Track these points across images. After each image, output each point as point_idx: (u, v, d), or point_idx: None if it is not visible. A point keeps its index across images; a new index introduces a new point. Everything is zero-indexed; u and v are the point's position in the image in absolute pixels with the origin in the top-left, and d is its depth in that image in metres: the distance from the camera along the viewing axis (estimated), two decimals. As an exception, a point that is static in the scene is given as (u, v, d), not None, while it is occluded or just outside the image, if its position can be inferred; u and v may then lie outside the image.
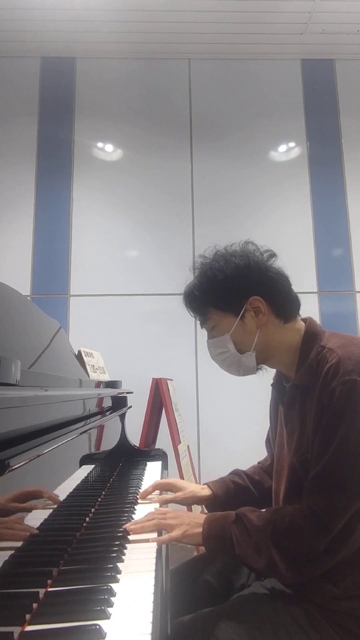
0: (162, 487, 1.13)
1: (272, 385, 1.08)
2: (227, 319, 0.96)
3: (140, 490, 1.18)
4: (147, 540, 0.85)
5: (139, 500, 1.10)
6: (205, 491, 1.11)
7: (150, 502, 1.10)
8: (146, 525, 0.88)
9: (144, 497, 1.11)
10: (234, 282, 0.94)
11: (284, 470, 0.97)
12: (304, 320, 1.00)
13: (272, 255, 1.00)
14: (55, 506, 0.78)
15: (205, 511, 1.13)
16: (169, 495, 1.10)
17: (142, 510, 1.03)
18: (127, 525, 0.89)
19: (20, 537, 0.62)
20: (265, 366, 1.02)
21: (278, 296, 0.96)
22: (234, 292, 0.95)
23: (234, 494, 1.11)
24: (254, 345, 0.95)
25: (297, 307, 0.99)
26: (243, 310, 0.95)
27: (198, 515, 0.93)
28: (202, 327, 1.04)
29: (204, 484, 1.14)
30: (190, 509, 1.11)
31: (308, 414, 0.89)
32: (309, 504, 0.82)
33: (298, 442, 0.91)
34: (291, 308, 0.98)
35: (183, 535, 0.87)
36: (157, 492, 1.14)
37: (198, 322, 1.04)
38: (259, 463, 1.20)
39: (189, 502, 1.10)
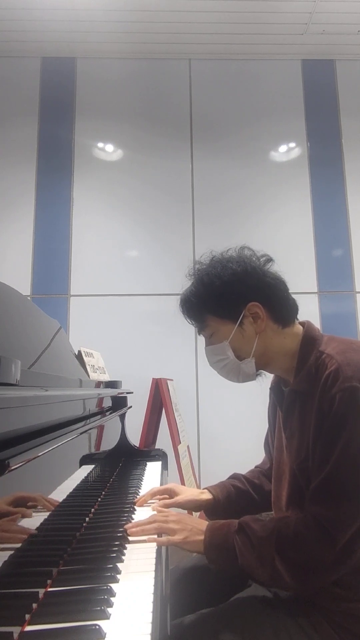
0: (160, 494, 1.10)
1: (270, 388, 1.08)
2: (226, 325, 0.95)
3: (140, 491, 1.18)
4: (146, 541, 0.84)
5: (136, 507, 1.06)
6: (205, 495, 1.09)
7: (150, 506, 1.08)
8: (147, 529, 0.87)
9: (140, 504, 1.07)
10: (231, 289, 0.93)
11: (284, 475, 0.96)
12: (302, 324, 0.99)
13: (269, 260, 0.99)
14: (55, 507, 0.78)
15: (205, 516, 1.12)
16: (169, 500, 1.07)
17: (141, 511, 1.03)
18: (128, 526, 0.88)
19: (18, 539, 0.62)
20: (264, 371, 1.01)
21: (276, 301, 0.95)
22: (232, 299, 0.94)
23: (234, 498, 1.09)
24: (253, 351, 0.94)
25: (295, 311, 0.98)
26: (241, 316, 0.94)
27: (200, 521, 0.91)
28: (199, 334, 1.02)
29: (204, 489, 1.12)
30: (190, 513, 1.09)
31: (307, 419, 0.88)
32: (313, 514, 0.81)
33: (298, 447, 0.90)
34: (289, 313, 0.97)
35: (184, 542, 0.85)
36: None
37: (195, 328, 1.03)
38: (256, 467, 1.19)
39: (189, 506, 1.08)
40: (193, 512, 1.17)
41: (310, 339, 0.94)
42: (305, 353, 0.92)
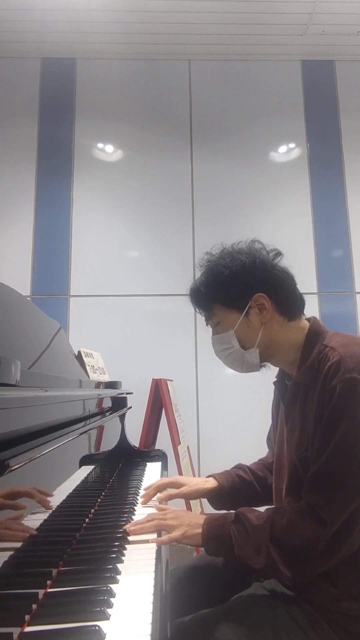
0: (165, 487, 1.11)
1: (274, 383, 1.08)
2: (232, 315, 0.97)
3: (140, 491, 1.18)
4: (146, 541, 0.84)
5: (141, 505, 1.07)
6: (210, 483, 1.10)
7: (152, 506, 1.07)
8: (146, 527, 0.88)
9: (146, 501, 1.07)
10: (239, 279, 0.95)
11: (284, 468, 0.97)
12: (308, 319, 1.00)
13: (278, 254, 1.01)
14: (55, 507, 0.78)
15: (205, 510, 1.12)
16: (174, 491, 1.08)
17: (142, 511, 1.03)
18: (127, 527, 0.88)
19: (18, 538, 0.62)
20: (269, 364, 1.02)
21: (283, 294, 0.97)
22: (239, 289, 0.95)
23: (239, 487, 1.10)
24: (257, 341, 0.96)
25: (302, 306, 1.00)
26: (247, 306, 0.95)
27: (198, 515, 0.93)
28: (207, 324, 1.04)
29: (208, 476, 1.13)
30: (189, 508, 1.09)
31: (309, 412, 0.89)
32: (307, 502, 0.83)
33: (299, 439, 0.91)
34: (295, 306, 0.98)
35: (183, 536, 0.86)
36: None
37: (203, 319, 1.05)
38: (260, 460, 1.20)
39: (195, 495, 1.09)
40: (191, 507, 1.17)
41: (315, 333, 0.95)
42: (310, 346, 0.93)
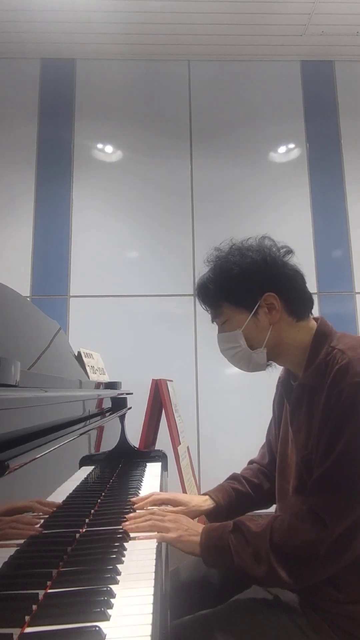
0: (161, 502, 1.07)
1: (278, 381, 1.08)
2: (240, 314, 0.95)
3: (140, 492, 1.18)
4: (141, 538, 0.84)
5: (135, 508, 1.04)
6: (208, 503, 1.08)
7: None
8: (141, 526, 0.87)
9: (138, 508, 1.04)
10: (249, 277, 0.93)
11: (289, 468, 0.96)
12: (316, 319, 0.99)
13: (289, 251, 0.99)
14: (54, 509, 0.78)
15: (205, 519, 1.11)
16: (170, 509, 1.04)
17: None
18: (126, 524, 0.88)
19: (20, 536, 0.62)
20: (275, 363, 1.01)
21: (293, 293, 0.95)
22: (248, 287, 0.93)
23: (235, 501, 1.09)
24: (265, 341, 0.94)
25: (311, 306, 0.98)
26: (257, 306, 0.93)
27: (197, 524, 0.91)
28: (212, 322, 1.02)
29: (205, 494, 1.11)
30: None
31: (315, 414, 0.88)
32: (309, 506, 0.81)
33: (304, 441, 0.90)
34: (305, 306, 0.97)
35: (177, 540, 0.85)
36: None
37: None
38: (254, 463, 1.18)
39: (192, 516, 1.05)
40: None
41: (323, 334, 0.93)
42: (317, 348, 0.91)
